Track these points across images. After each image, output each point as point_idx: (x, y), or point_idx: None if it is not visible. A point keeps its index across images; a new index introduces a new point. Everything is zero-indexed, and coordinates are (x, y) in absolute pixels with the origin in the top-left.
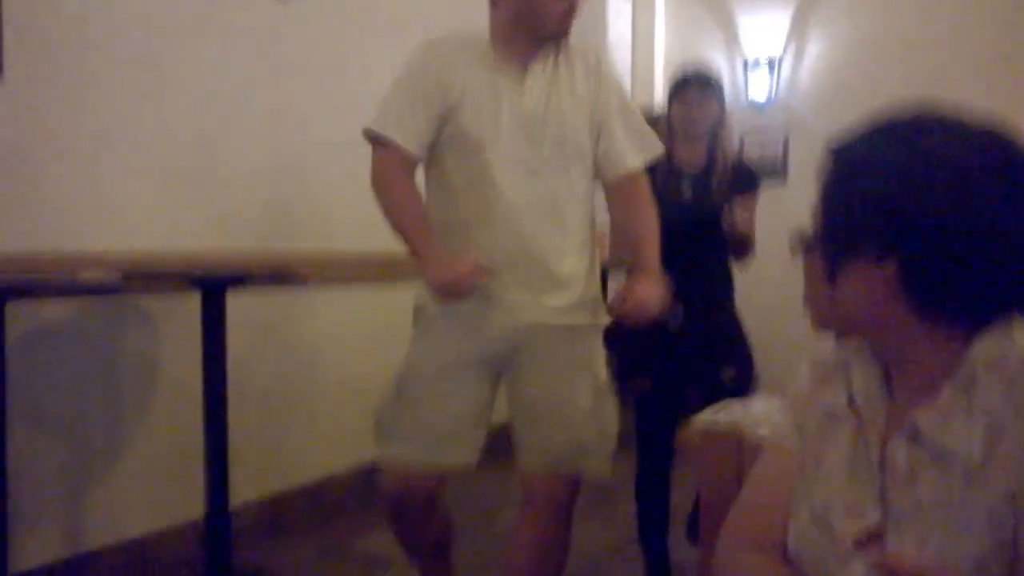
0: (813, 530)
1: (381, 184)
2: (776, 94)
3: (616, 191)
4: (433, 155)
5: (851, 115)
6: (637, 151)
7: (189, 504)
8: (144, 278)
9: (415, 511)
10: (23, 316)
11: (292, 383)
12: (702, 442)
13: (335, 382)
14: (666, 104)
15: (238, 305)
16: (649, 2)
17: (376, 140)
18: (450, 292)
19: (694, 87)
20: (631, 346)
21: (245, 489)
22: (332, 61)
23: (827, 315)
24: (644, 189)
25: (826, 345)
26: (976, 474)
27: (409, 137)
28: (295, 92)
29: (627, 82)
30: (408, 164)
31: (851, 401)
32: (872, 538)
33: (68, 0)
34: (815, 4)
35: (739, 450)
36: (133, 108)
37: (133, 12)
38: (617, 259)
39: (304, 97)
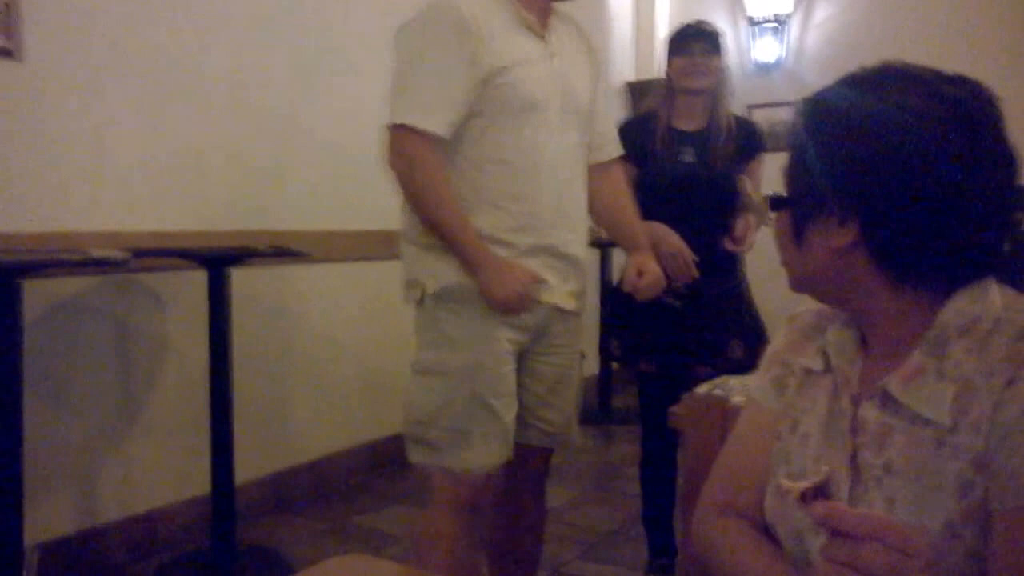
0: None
1: (416, 177)
2: (785, 56)
3: (605, 173)
4: (463, 127)
5: None
6: (617, 139)
7: (197, 480)
8: (151, 255)
9: (486, 509)
10: (37, 293)
11: (297, 362)
12: (686, 413)
13: (339, 360)
14: (665, 60)
15: (245, 284)
16: None
17: (403, 129)
18: (513, 308)
19: (696, 40)
20: (637, 325)
21: (251, 466)
22: (330, 48)
23: (798, 276)
24: (625, 174)
25: (806, 306)
26: (946, 438)
27: (443, 120)
28: (299, 76)
29: (629, 50)
30: (441, 150)
31: (827, 362)
32: (818, 492)
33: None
34: None
35: (723, 419)
36: (143, 93)
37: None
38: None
39: (307, 81)
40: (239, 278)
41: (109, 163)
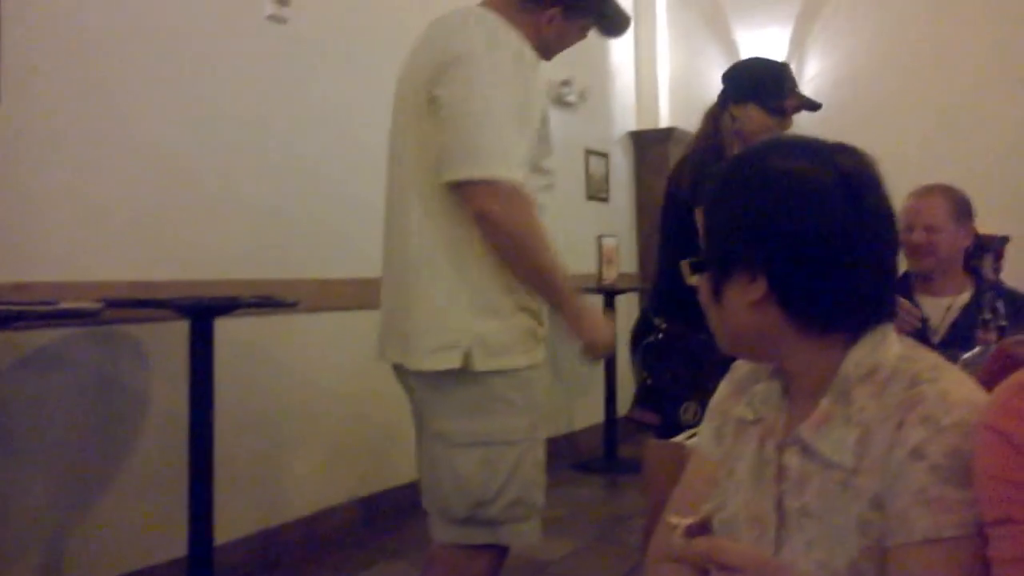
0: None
1: (529, 231)
2: None
3: None
4: None
5: (852, 132)
6: None
7: (176, 540)
8: (132, 306)
9: None
10: (13, 345)
11: (288, 414)
12: (649, 455)
13: (332, 412)
14: (740, 97)
15: (233, 333)
16: (650, 22)
17: (499, 183)
18: (606, 353)
19: (798, 111)
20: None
21: (237, 523)
22: (323, 88)
23: (725, 336)
24: None
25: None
26: (850, 480)
27: (523, 163)
28: (285, 120)
29: (632, 100)
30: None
31: (755, 412)
32: (701, 528)
33: (65, 33)
34: (813, 22)
35: (683, 461)
36: (122, 138)
37: (127, 46)
38: None
39: (295, 126)
40: (230, 327)
41: (90, 211)
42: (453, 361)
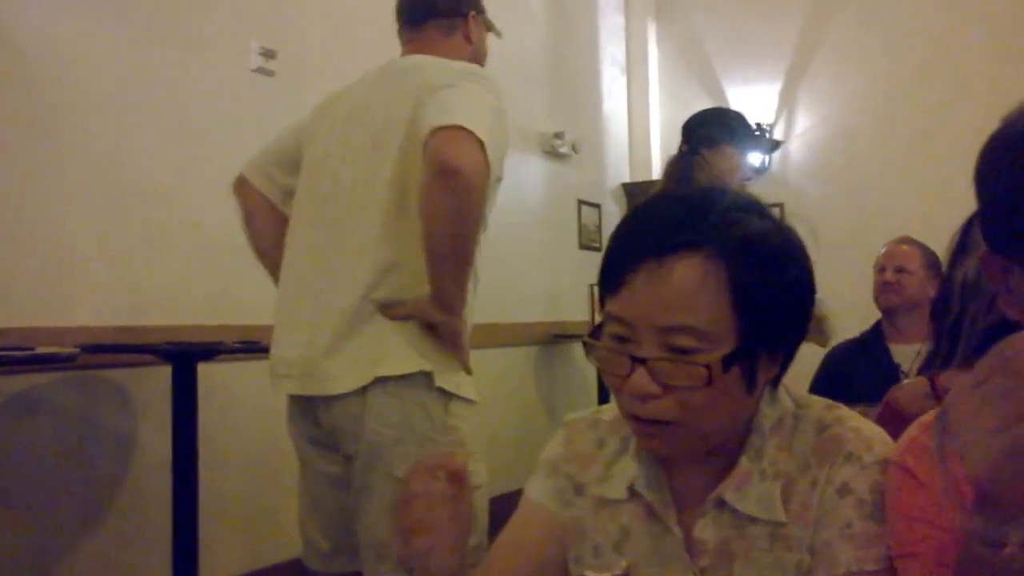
0: None
1: (480, 204)
2: (769, 163)
3: None
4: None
5: (841, 183)
6: None
7: None
8: (109, 351)
9: None
10: None
11: (274, 457)
12: None
13: None
14: (711, 140)
15: (217, 378)
16: (642, 76)
17: (476, 136)
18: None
19: (759, 143)
20: None
21: (226, 566)
22: None
23: (691, 438)
24: None
25: (581, 413)
26: (778, 531)
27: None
28: None
29: (624, 152)
30: None
31: (632, 492)
32: None
33: (43, 77)
34: (801, 78)
35: None
36: (101, 183)
37: (109, 93)
38: None
39: None
40: (214, 371)
41: (68, 256)
42: (416, 377)
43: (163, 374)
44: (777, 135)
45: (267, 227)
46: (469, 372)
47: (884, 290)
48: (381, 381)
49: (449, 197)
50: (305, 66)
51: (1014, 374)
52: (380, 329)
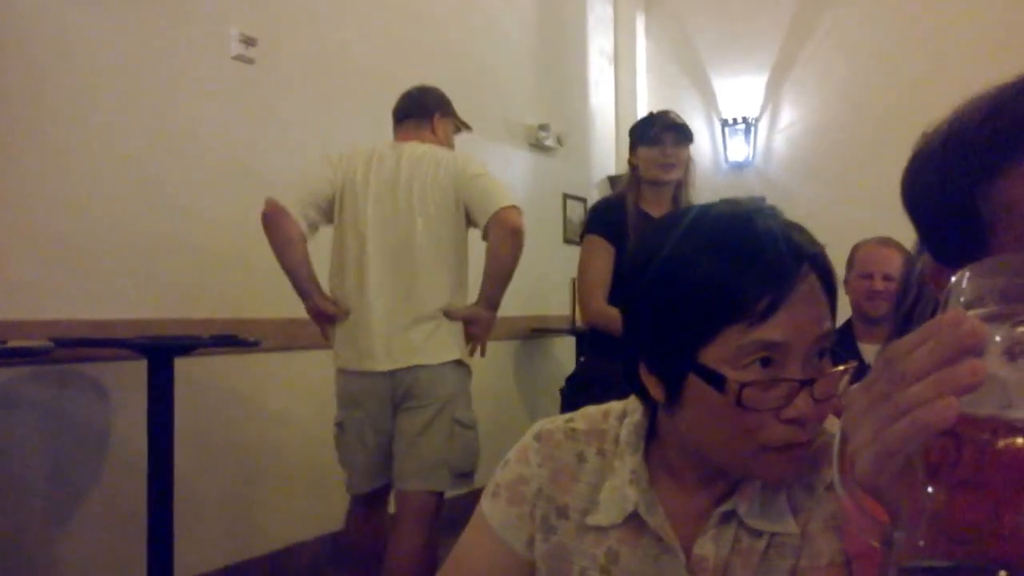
0: None
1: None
2: (753, 156)
3: None
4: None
5: (825, 176)
6: None
7: None
8: (84, 344)
9: None
10: None
11: (257, 451)
12: None
13: (301, 449)
14: (631, 146)
15: (195, 372)
16: (629, 68)
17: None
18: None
19: (666, 131)
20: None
21: (203, 559)
22: (289, 128)
23: (735, 455)
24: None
25: (553, 423)
26: (776, 540)
27: None
28: (251, 159)
29: (611, 145)
30: None
31: (632, 516)
32: None
33: (16, 69)
34: (787, 72)
35: None
36: (76, 173)
37: (87, 82)
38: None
39: (260, 165)
40: (191, 365)
41: (41, 248)
42: (453, 360)
43: (137, 368)
44: (762, 129)
45: (302, 252)
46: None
47: (873, 297)
48: (451, 363)
49: (515, 246)
50: (285, 54)
51: (893, 377)
52: (446, 328)
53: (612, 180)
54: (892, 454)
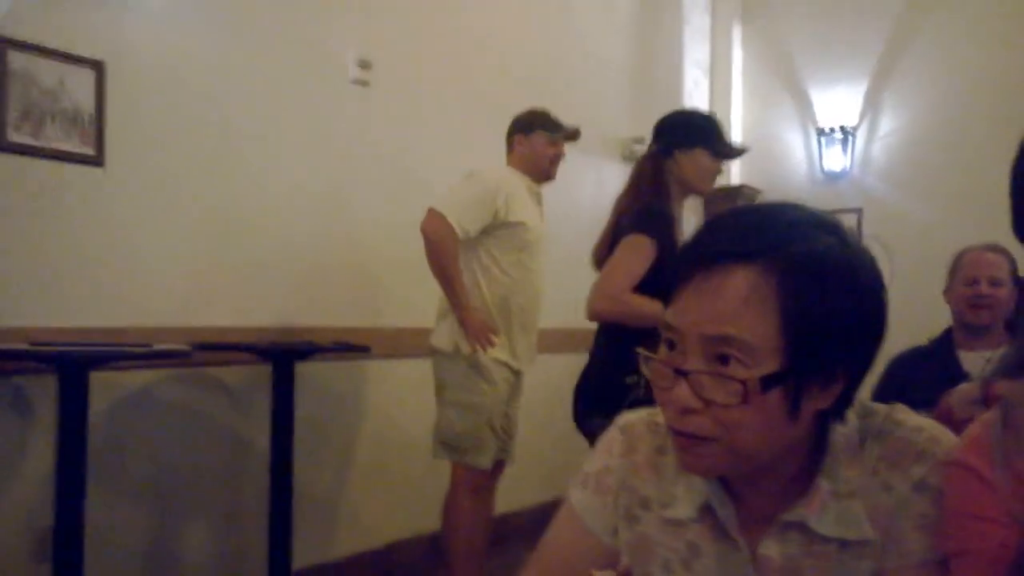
0: None
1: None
2: (851, 166)
3: None
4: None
5: (924, 186)
6: None
7: (257, 569)
8: (219, 349)
9: (487, 491)
10: (111, 385)
11: (362, 450)
12: None
13: (406, 451)
14: (685, 146)
15: (312, 378)
16: (726, 76)
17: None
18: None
19: (733, 148)
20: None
21: (312, 552)
22: (403, 149)
23: (762, 454)
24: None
25: (637, 416)
26: (864, 551)
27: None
28: (367, 179)
29: None
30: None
31: (705, 510)
32: None
33: (164, 101)
34: (887, 80)
35: None
36: (215, 197)
37: (214, 108)
38: None
39: (376, 184)
40: (310, 371)
41: (183, 263)
42: (448, 348)
43: (262, 372)
44: (860, 138)
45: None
46: (473, 349)
47: (977, 305)
48: (439, 351)
49: (425, 246)
50: (400, 76)
51: None
52: (445, 322)
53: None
54: None
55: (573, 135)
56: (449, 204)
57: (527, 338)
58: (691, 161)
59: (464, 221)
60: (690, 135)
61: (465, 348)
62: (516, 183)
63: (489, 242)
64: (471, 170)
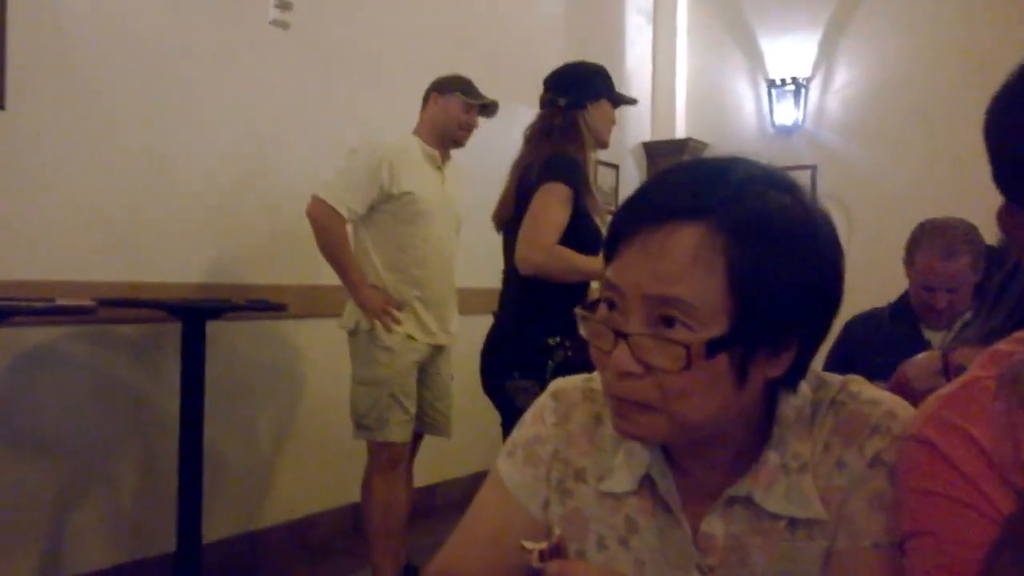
0: None
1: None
2: (804, 119)
3: None
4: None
5: (882, 142)
6: None
7: (161, 537)
8: (125, 306)
9: (401, 468)
10: (10, 341)
11: (280, 415)
12: None
13: (325, 417)
14: (593, 97)
15: (223, 337)
16: (670, 23)
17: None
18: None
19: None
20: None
21: (222, 524)
22: (324, 93)
23: (706, 423)
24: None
25: (571, 382)
26: (815, 531)
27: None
28: (283, 127)
29: (647, 106)
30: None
31: (645, 483)
32: (553, 552)
33: (67, 40)
34: (842, 32)
35: None
36: (120, 143)
37: (127, 52)
38: None
39: (293, 132)
40: (221, 330)
41: (86, 214)
42: (350, 325)
43: (171, 330)
44: (814, 90)
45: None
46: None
47: (930, 312)
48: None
49: (314, 232)
50: (321, 19)
51: None
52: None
53: (647, 146)
54: None
55: (490, 108)
56: (330, 187)
57: (438, 310)
58: (599, 111)
59: (348, 201)
60: (595, 86)
61: (364, 324)
62: (407, 151)
63: (379, 217)
64: (352, 147)
